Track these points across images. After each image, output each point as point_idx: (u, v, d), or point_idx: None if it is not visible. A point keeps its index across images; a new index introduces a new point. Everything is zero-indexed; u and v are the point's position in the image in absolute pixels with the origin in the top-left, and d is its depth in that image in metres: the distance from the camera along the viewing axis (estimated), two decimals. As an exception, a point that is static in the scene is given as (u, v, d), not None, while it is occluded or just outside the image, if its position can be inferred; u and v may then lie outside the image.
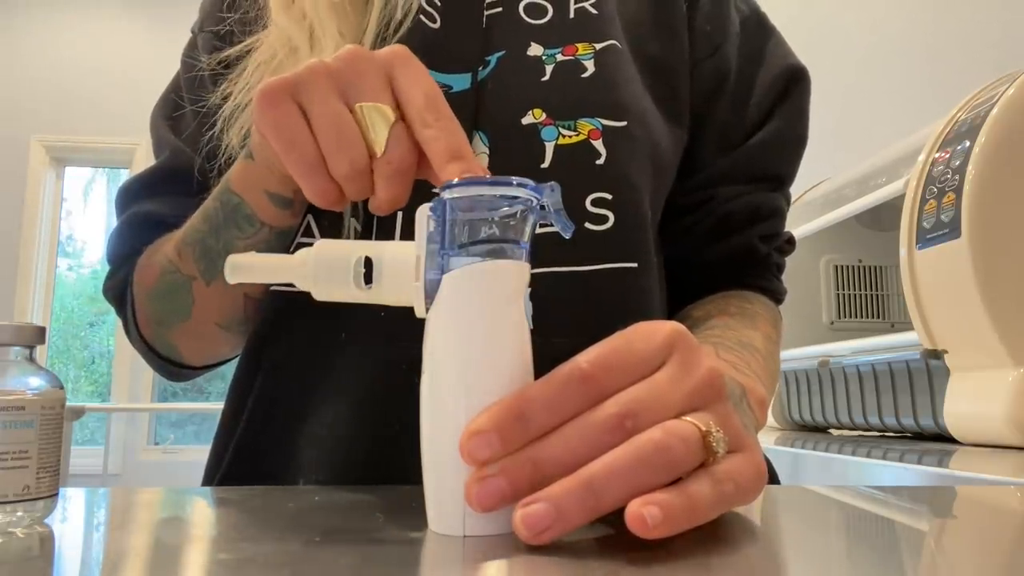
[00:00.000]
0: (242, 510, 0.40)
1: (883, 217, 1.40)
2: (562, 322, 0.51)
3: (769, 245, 0.67)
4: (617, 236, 0.55)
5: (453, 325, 0.32)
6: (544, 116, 0.56)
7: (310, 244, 0.36)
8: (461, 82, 0.57)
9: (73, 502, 0.43)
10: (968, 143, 0.93)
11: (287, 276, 0.36)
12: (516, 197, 0.33)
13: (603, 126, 0.56)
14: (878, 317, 1.45)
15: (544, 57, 0.58)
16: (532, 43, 0.59)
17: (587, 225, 0.54)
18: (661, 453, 0.29)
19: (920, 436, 1.12)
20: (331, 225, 0.54)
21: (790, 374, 1.39)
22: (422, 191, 0.40)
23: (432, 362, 0.33)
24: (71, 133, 4.50)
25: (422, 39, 0.57)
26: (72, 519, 0.39)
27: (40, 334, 0.35)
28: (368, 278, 0.35)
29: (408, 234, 0.48)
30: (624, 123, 0.57)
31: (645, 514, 0.28)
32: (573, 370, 0.31)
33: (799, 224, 1.38)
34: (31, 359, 0.35)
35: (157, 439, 4.58)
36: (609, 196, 0.55)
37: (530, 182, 0.33)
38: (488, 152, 0.55)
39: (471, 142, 0.52)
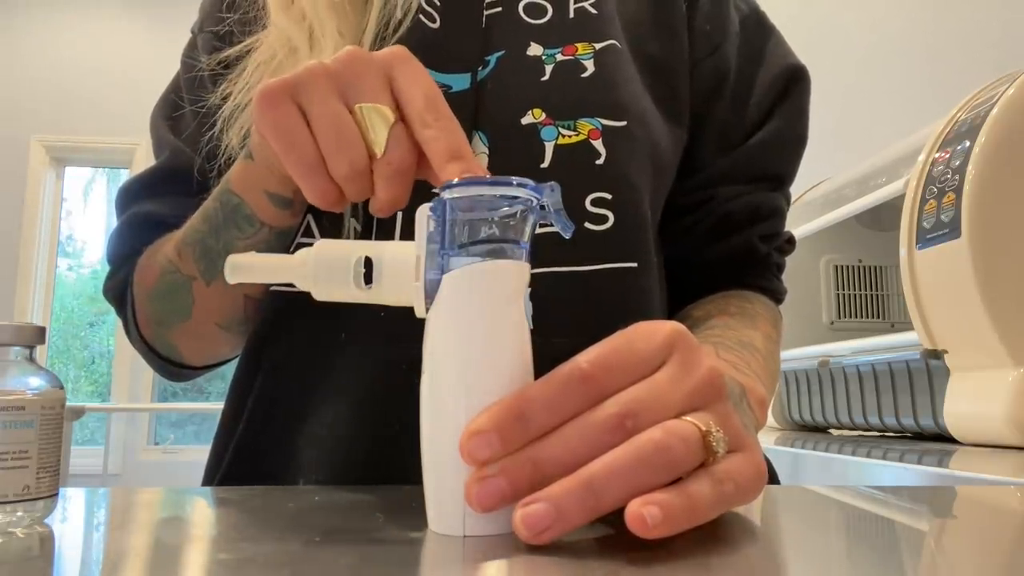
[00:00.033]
0: (242, 510, 0.40)
1: (883, 217, 1.40)
2: (562, 322, 0.51)
3: (769, 245, 0.67)
4: (617, 236, 0.55)
5: (453, 325, 0.32)
6: (544, 116, 0.56)
7: (310, 244, 0.36)
8: (461, 82, 0.57)
9: (73, 502, 0.43)
10: (968, 143, 0.93)
11: (287, 276, 0.36)
12: (516, 197, 0.33)
13: (603, 126, 0.56)
14: (878, 317, 1.45)
15: (544, 57, 0.58)
16: (532, 43, 0.59)
17: (587, 225, 0.54)
18: (661, 453, 0.29)
19: (920, 436, 1.12)
20: (331, 225, 0.54)
21: (790, 374, 1.39)
22: (422, 191, 0.40)
23: (432, 362, 0.33)
24: (71, 133, 4.50)
25: (421, 39, 0.57)
26: (72, 519, 0.39)
27: (40, 334, 0.35)
28: (368, 278, 0.35)
29: (408, 234, 0.48)
30: (624, 123, 0.57)
31: (645, 514, 0.28)
32: (573, 370, 0.31)
33: (799, 224, 1.38)
34: (31, 359, 0.35)
35: (157, 439, 4.58)
36: (609, 196, 0.55)
37: (530, 182, 0.33)
38: (488, 152, 0.55)
39: (471, 142, 0.52)
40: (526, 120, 0.56)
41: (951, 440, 0.98)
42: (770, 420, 1.46)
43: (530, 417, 0.30)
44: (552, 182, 0.35)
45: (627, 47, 0.61)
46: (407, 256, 0.34)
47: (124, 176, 4.69)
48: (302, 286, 0.36)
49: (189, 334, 0.59)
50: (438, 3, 0.60)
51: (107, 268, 0.65)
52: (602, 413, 0.30)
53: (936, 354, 0.97)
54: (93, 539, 0.35)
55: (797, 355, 1.34)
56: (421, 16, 0.59)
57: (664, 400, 0.31)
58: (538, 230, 0.44)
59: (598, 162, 0.56)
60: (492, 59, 0.58)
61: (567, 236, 0.36)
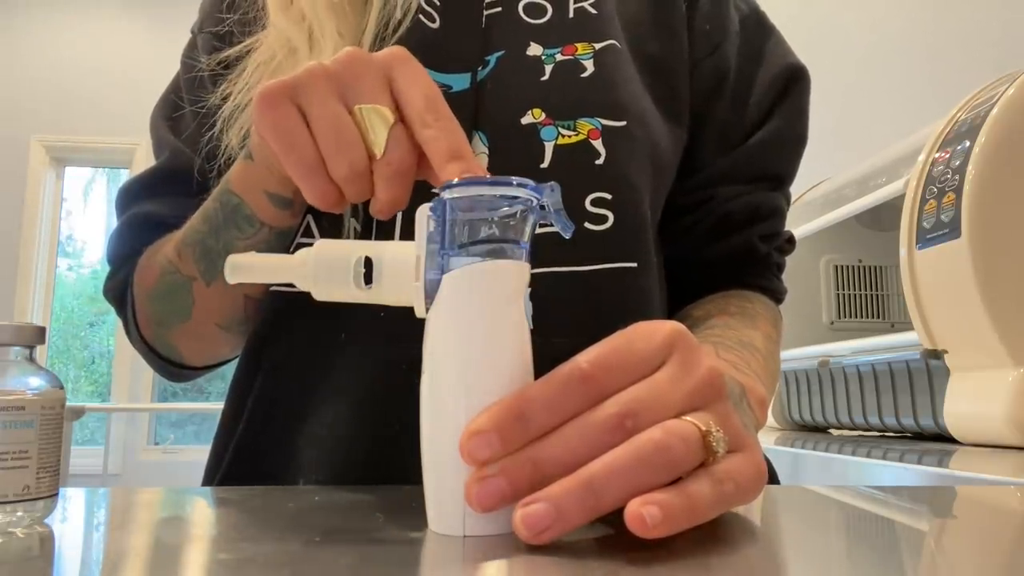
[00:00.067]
0: (242, 510, 0.40)
1: (883, 217, 1.40)
2: (562, 322, 0.51)
3: (769, 244, 0.67)
4: (617, 236, 0.55)
5: (453, 325, 0.32)
6: (543, 116, 0.56)
7: (310, 244, 0.36)
8: (460, 82, 0.57)
9: (73, 502, 0.43)
10: (968, 143, 0.93)
11: (287, 276, 0.36)
12: (516, 197, 0.33)
13: (602, 126, 0.56)
14: (878, 317, 1.45)
15: (543, 57, 0.58)
16: (531, 43, 0.59)
17: (587, 225, 0.54)
18: (661, 453, 0.29)
19: (920, 436, 1.12)
20: (331, 225, 0.54)
21: (790, 374, 1.39)
22: (422, 191, 0.40)
23: (432, 362, 0.33)
24: (71, 133, 4.50)
25: (421, 39, 0.57)
26: (72, 519, 0.39)
27: (40, 334, 0.35)
28: (368, 278, 0.35)
29: (408, 234, 0.48)
30: (623, 123, 0.57)
31: (645, 514, 0.28)
32: (573, 370, 0.31)
33: (799, 224, 1.38)
34: (31, 359, 0.35)
35: (157, 439, 4.58)
36: (609, 196, 0.55)
37: (530, 182, 0.33)
38: (487, 152, 0.55)
39: (470, 142, 0.52)
40: (526, 120, 0.56)
41: (951, 440, 0.98)
42: (770, 420, 1.46)
43: (530, 417, 0.30)
44: (552, 182, 0.35)
45: (627, 47, 0.61)
46: (407, 256, 0.34)
47: (124, 176, 4.69)
48: (302, 286, 0.36)
49: (189, 334, 0.59)
50: (438, 3, 0.60)
51: (107, 268, 0.65)
52: (602, 413, 0.30)
53: (936, 354, 0.97)
54: (93, 539, 0.35)
55: (797, 355, 1.34)
56: (421, 16, 0.59)
57: (664, 400, 0.31)
58: (538, 230, 0.44)
59: (598, 162, 0.56)
60: (492, 59, 0.58)
61: (567, 236, 0.36)
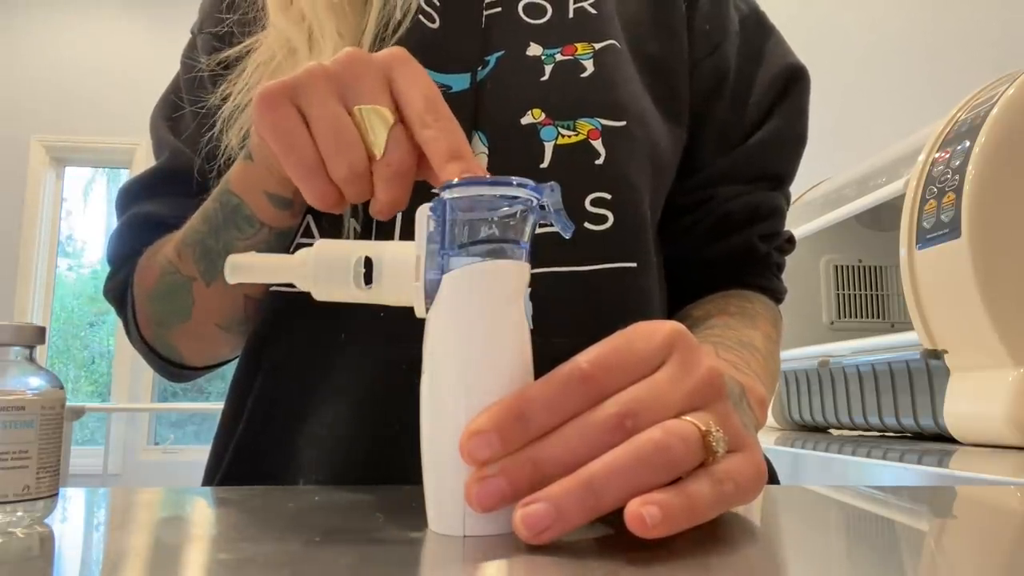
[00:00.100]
0: (242, 510, 0.40)
1: (883, 217, 1.40)
2: (562, 322, 0.51)
3: (769, 244, 0.67)
4: (616, 236, 0.55)
5: (453, 325, 0.33)
6: (543, 116, 0.56)
7: (310, 244, 0.36)
8: (460, 82, 0.57)
9: (73, 502, 0.43)
10: (968, 143, 0.93)
11: (287, 276, 0.36)
12: (516, 197, 0.33)
13: (602, 126, 0.56)
14: (878, 317, 1.45)
15: (543, 57, 0.58)
16: (531, 43, 0.59)
17: (586, 225, 0.54)
18: (661, 453, 0.29)
19: (920, 436, 1.12)
20: (331, 226, 0.54)
21: (790, 374, 1.39)
22: (422, 191, 0.40)
23: (432, 362, 0.33)
24: (71, 133, 4.50)
25: (421, 39, 0.57)
26: (72, 519, 0.39)
27: (40, 334, 0.35)
28: (368, 278, 0.35)
29: (408, 234, 0.48)
30: (623, 123, 0.57)
31: (644, 514, 0.28)
32: (573, 370, 0.31)
33: (799, 224, 1.38)
34: (31, 359, 0.35)
35: (157, 439, 4.58)
36: (608, 196, 0.55)
37: (530, 182, 0.33)
38: (487, 152, 0.55)
39: (470, 142, 0.52)
40: (526, 120, 0.56)
41: (951, 440, 0.98)
42: (770, 420, 1.46)
43: (530, 417, 0.30)
44: (552, 182, 0.35)
45: (626, 47, 0.61)
46: (407, 256, 0.34)
47: (124, 176, 4.69)
48: (302, 286, 0.36)
49: (189, 335, 0.59)
50: (437, 3, 0.60)
51: (107, 269, 0.65)
52: (602, 413, 0.30)
53: (936, 354, 0.97)
54: (93, 539, 0.35)
55: (797, 355, 1.34)
56: (420, 16, 0.59)
57: (664, 400, 0.31)
58: (538, 230, 0.44)
59: (598, 162, 0.56)
60: (492, 59, 0.58)
61: (567, 236, 0.36)
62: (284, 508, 0.39)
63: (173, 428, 4.70)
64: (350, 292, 0.35)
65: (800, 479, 1.07)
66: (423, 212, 0.34)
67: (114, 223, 0.65)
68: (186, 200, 0.58)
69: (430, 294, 0.33)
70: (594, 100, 0.57)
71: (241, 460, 0.55)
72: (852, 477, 0.96)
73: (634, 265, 0.55)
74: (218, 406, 0.64)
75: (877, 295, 1.46)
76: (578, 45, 0.59)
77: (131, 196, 0.64)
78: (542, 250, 0.50)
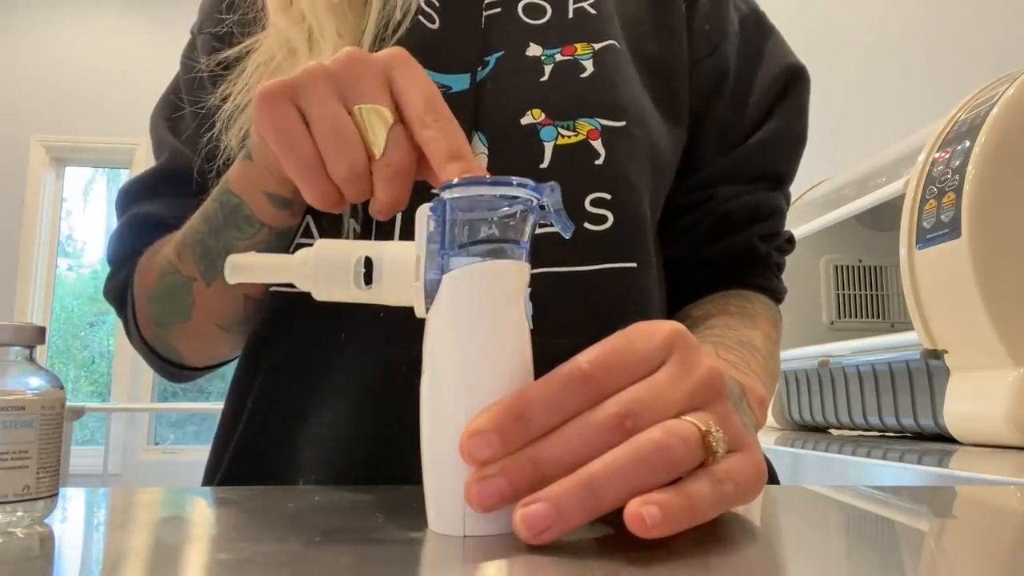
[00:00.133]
0: (242, 510, 0.40)
1: (883, 217, 1.40)
2: (562, 322, 0.51)
3: (769, 244, 0.67)
4: (616, 236, 0.55)
5: (453, 325, 0.33)
6: (543, 116, 0.56)
7: (310, 244, 0.36)
8: (460, 82, 0.57)
9: (73, 502, 0.43)
10: (968, 143, 0.93)
11: (287, 276, 0.36)
12: (516, 197, 0.33)
13: (602, 126, 0.56)
14: (878, 317, 1.45)
15: (543, 57, 0.58)
16: (531, 43, 0.59)
17: (586, 225, 0.54)
18: (661, 453, 0.29)
19: (920, 436, 1.12)
20: (331, 226, 0.54)
21: (790, 374, 1.39)
22: (422, 191, 0.40)
23: (432, 362, 0.33)
24: (71, 133, 4.50)
25: (421, 39, 0.57)
26: (72, 519, 0.39)
27: (40, 334, 0.35)
28: (368, 278, 0.35)
29: (407, 234, 0.48)
30: (623, 123, 0.57)
31: (644, 514, 0.28)
32: (573, 370, 0.31)
33: (799, 224, 1.38)
34: (31, 359, 0.35)
35: (157, 439, 4.58)
36: (608, 196, 0.55)
37: (530, 182, 0.33)
38: (487, 152, 0.55)
39: (470, 142, 0.52)
40: (525, 120, 0.56)
41: (951, 440, 0.98)
42: (770, 420, 1.46)
43: (530, 417, 0.30)
44: (552, 182, 0.35)
45: (626, 47, 0.61)
46: (407, 256, 0.34)
47: (124, 176, 4.69)
48: (302, 286, 0.36)
49: (189, 335, 0.59)
50: (437, 4, 0.60)
51: (107, 269, 0.65)
52: (602, 413, 0.30)
53: (936, 354, 0.97)
54: (93, 539, 0.36)
55: (797, 355, 1.34)
56: (420, 17, 0.59)
57: (664, 400, 0.31)
58: (538, 230, 0.44)
59: (597, 162, 0.56)
60: (491, 59, 0.58)
61: (567, 236, 0.36)
62: (284, 508, 0.39)
63: (173, 428, 4.70)
64: (350, 292, 0.35)
65: (800, 479, 1.07)
66: (423, 212, 0.34)
67: (114, 223, 0.65)
68: (186, 200, 0.58)
69: (430, 294, 0.33)
70: (594, 100, 0.57)
71: (241, 460, 0.55)
72: (852, 477, 0.96)
73: (634, 265, 0.55)
74: (218, 406, 0.64)
75: (877, 295, 1.46)
76: (578, 45, 0.59)
77: (131, 196, 0.64)
78: (542, 250, 0.50)
